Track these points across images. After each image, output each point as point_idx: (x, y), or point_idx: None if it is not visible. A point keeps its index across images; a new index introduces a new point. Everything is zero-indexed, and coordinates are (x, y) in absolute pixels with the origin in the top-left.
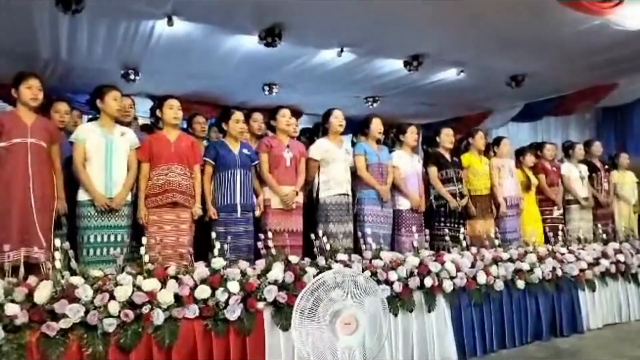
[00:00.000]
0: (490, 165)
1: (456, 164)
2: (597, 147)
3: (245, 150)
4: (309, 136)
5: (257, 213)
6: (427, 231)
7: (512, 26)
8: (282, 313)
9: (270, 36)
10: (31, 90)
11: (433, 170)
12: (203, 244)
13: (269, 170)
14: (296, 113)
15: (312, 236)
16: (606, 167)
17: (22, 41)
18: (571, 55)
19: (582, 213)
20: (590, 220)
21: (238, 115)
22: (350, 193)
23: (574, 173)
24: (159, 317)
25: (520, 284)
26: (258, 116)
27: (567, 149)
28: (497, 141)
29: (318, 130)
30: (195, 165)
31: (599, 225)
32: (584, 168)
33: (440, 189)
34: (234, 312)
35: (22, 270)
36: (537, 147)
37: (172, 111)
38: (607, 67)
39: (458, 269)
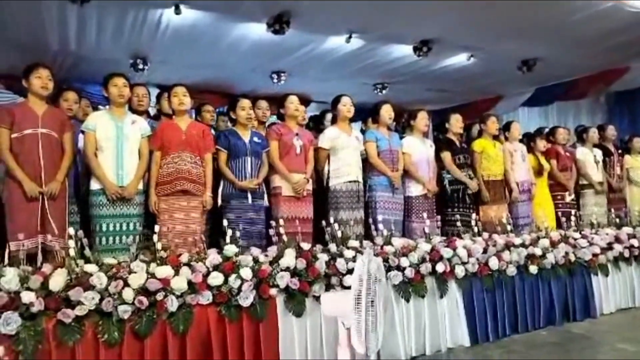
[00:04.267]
0: (503, 150)
1: (465, 149)
2: (611, 131)
3: (255, 138)
4: (314, 123)
5: (266, 202)
6: (439, 217)
7: (522, 10)
8: (295, 299)
9: (278, 23)
10: (41, 80)
11: (447, 155)
12: (215, 232)
13: (279, 158)
14: (305, 101)
15: (323, 223)
16: (619, 151)
17: (31, 33)
18: (583, 38)
19: (597, 198)
20: (604, 205)
21: (244, 102)
22: (360, 180)
23: (589, 158)
24: (173, 303)
25: (533, 269)
26: (262, 103)
27: (581, 133)
28: (507, 126)
29: (324, 117)
30: (207, 154)
31: (612, 210)
32: (598, 152)
33: (458, 173)
34: (247, 299)
35: (40, 258)
36: (550, 132)
37: (177, 98)
38: (619, 50)
39: (470, 255)
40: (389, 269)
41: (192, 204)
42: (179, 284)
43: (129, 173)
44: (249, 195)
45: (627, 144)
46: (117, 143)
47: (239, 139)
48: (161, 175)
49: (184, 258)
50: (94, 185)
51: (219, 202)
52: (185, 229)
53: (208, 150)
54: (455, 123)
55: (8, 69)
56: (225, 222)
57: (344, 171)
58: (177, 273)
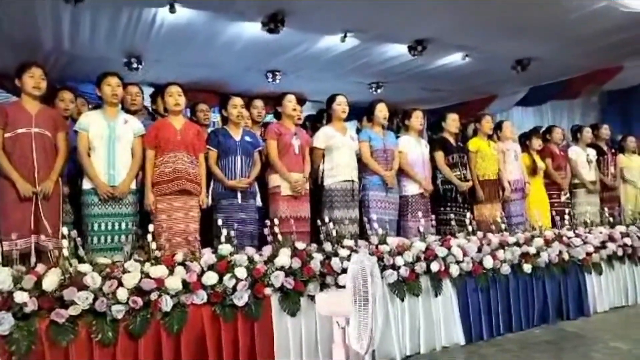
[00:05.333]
0: (496, 149)
1: (461, 149)
2: (605, 131)
3: (247, 137)
4: (312, 123)
5: (258, 202)
6: (434, 216)
7: (517, 9)
8: (290, 299)
9: (273, 22)
10: (34, 79)
11: (440, 155)
12: (206, 232)
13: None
14: (300, 100)
15: (319, 222)
16: (613, 150)
17: (25, 32)
18: (577, 38)
19: (589, 197)
20: (597, 204)
21: (235, 100)
22: (356, 179)
23: (582, 157)
24: (167, 303)
25: (527, 268)
26: (258, 103)
27: (576, 132)
28: (499, 125)
29: (322, 116)
30: (201, 154)
31: (606, 209)
32: (592, 152)
33: (448, 173)
34: (241, 298)
35: (33, 258)
36: (546, 131)
37: (172, 98)
38: (613, 49)
39: (464, 254)
40: (383, 268)
41: (191, 203)
42: (174, 283)
43: (121, 172)
44: (239, 195)
45: (621, 143)
46: (109, 142)
47: (229, 137)
48: (159, 174)
49: (179, 257)
50: (86, 184)
51: (209, 201)
52: (185, 228)
53: (202, 150)
54: (452, 122)
55: (1, 68)
56: (220, 222)
57: (338, 171)
58: (171, 273)
